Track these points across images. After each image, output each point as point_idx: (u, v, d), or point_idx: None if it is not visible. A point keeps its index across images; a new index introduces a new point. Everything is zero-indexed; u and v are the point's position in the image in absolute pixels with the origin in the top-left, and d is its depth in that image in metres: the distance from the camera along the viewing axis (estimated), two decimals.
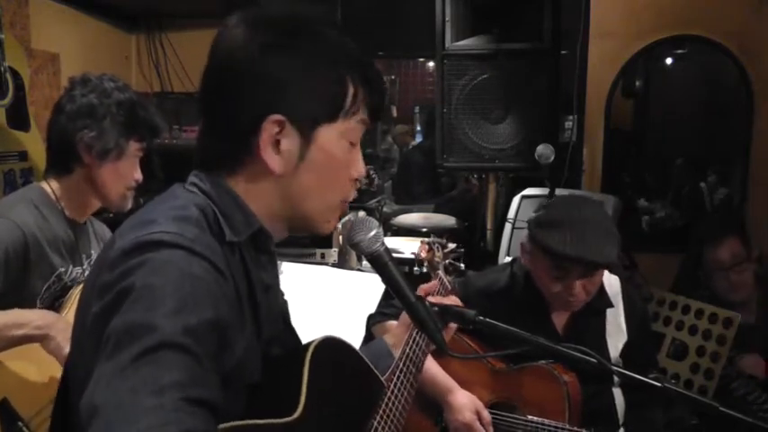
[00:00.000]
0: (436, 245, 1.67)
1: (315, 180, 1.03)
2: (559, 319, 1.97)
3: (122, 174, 1.85)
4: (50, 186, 1.85)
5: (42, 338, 1.65)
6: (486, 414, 1.82)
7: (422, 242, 1.69)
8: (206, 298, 0.86)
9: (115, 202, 1.89)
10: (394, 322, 1.91)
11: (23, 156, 2.78)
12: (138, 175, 1.89)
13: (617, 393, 1.98)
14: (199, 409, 0.77)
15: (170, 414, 0.74)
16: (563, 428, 1.80)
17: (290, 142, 1.00)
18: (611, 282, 2.01)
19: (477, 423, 1.80)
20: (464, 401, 1.82)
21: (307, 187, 1.03)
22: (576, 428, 1.79)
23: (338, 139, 1.03)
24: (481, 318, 1.27)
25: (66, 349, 1.59)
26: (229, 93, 1.00)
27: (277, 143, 0.99)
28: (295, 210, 1.05)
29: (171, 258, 0.87)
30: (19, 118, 2.77)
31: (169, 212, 0.95)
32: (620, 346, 1.99)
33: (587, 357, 1.18)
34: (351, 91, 1.02)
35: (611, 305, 1.97)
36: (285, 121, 0.98)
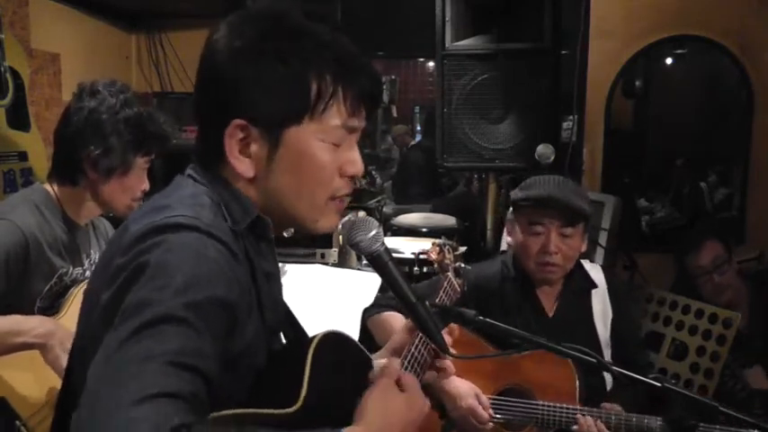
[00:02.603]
0: (447, 247, 1.67)
1: (290, 181, 1.02)
2: (548, 302, 2.05)
3: (128, 187, 1.84)
4: (53, 189, 1.85)
5: (41, 347, 1.65)
6: (484, 399, 1.86)
7: (433, 243, 1.69)
8: (218, 278, 0.87)
9: (120, 213, 1.89)
10: (390, 312, 1.94)
11: (23, 156, 2.78)
12: (146, 186, 1.88)
13: (607, 377, 2.01)
14: (186, 372, 0.77)
15: (152, 377, 0.75)
16: (574, 409, 1.84)
17: (257, 145, 1.00)
18: (591, 269, 2.11)
19: (479, 408, 1.84)
20: (463, 388, 1.85)
21: (282, 188, 1.02)
22: (585, 408, 1.83)
23: (313, 140, 1.01)
24: (481, 318, 1.27)
25: (64, 360, 1.59)
26: (203, 97, 1.03)
27: (247, 146, 1.00)
28: (277, 207, 1.04)
29: (187, 240, 0.88)
30: (19, 118, 2.77)
31: (183, 200, 0.96)
32: (609, 324, 2.05)
33: (588, 357, 1.18)
34: (314, 90, 0.99)
35: (594, 285, 2.06)
36: (248, 126, 0.99)
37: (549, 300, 2.05)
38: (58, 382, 1.66)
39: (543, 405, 1.86)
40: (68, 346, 1.58)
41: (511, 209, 2.08)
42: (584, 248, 2.03)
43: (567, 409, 1.84)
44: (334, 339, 1.06)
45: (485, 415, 1.84)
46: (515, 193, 2.02)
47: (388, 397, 1.03)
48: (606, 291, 2.07)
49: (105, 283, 0.90)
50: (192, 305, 0.81)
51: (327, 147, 1.02)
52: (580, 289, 2.06)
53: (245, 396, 0.97)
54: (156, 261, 0.84)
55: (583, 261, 2.10)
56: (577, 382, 1.87)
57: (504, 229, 3.11)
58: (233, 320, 0.89)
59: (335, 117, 1.01)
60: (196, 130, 1.08)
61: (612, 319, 2.04)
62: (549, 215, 1.93)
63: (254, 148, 1.00)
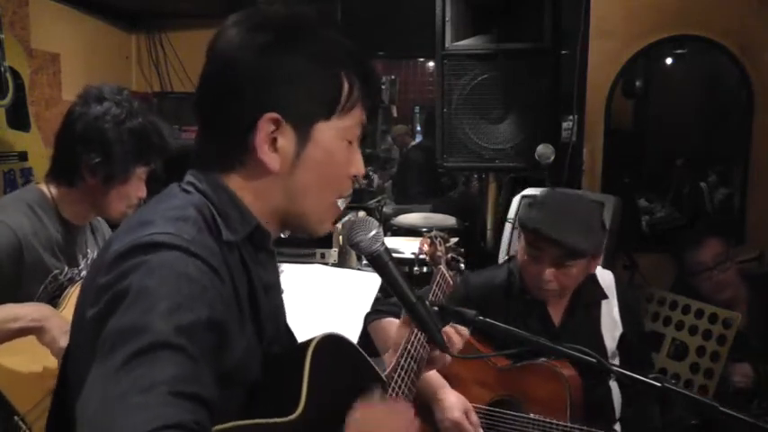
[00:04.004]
0: (438, 239, 1.66)
1: (313, 178, 1.03)
2: (555, 312, 2.01)
3: (125, 195, 1.83)
4: (49, 190, 1.84)
5: (38, 331, 1.64)
6: (474, 417, 1.80)
7: (424, 236, 1.68)
8: (201, 299, 0.86)
9: (114, 219, 1.88)
10: (390, 319, 1.93)
11: (23, 156, 2.78)
12: (142, 193, 1.87)
13: (614, 386, 2.00)
14: (186, 401, 0.76)
15: (155, 409, 0.74)
16: (564, 426, 1.81)
17: (286, 140, 1.00)
18: (603, 276, 2.06)
19: (466, 422, 1.77)
20: (453, 401, 1.80)
21: (305, 185, 1.03)
22: (575, 425, 1.80)
23: (336, 137, 1.03)
24: (481, 318, 1.27)
25: (61, 342, 1.59)
26: (226, 94, 1.01)
27: (274, 141, 1.00)
28: (293, 207, 1.04)
29: (167, 260, 0.87)
30: (19, 118, 2.77)
31: (167, 213, 0.95)
32: (616, 337, 2.02)
33: (588, 357, 1.17)
34: (346, 87, 1.02)
35: (605, 296, 2.02)
36: (281, 120, 0.99)
37: (556, 310, 2.01)
38: (54, 378, 1.66)
39: (530, 418, 1.83)
40: (65, 329, 1.59)
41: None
42: (594, 269, 1.96)
43: (556, 424, 1.80)
44: (331, 342, 1.06)
45: (470, 430, 1.77)
46: (523, 211, 1.97)
47: (369, 412, 1.03)
48: (616, 301, 2.03)
49: (91, 299, 0.89)
50: (181, 329, 0.80)
51: (345, 145, 1.04)
52: (590, 301, 2.01)
53: (241, 409, 0.96)
54: (137, 285, 0.83)
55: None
56: (569, 401, 1.83)
57: (504, 232, 3.13)
58: (221, 339, 0.88)
59: (357, 115, 1.04)
60: (198, 133, 1.06)
61: (622, 334, 2.01)
62: (543, 246, 1.85)
63: (282, 142, 1.00)
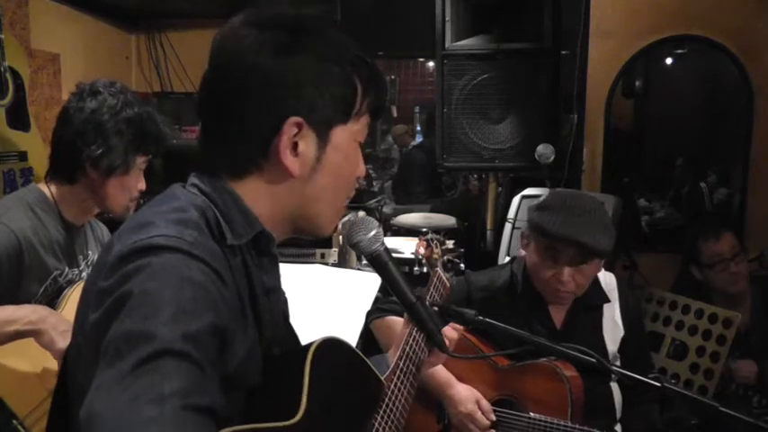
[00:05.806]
0: (434, 241, 1.67)
1: (330, 181, 1.03)
2: (557, 314, 2.01)
3: (127, 186, 1.84)
4: (49, 190, 1.84)
5: (35, 333, 1.64)
6: (485, 403, 1.84)
7: (420, 239, 1.69)
8: (205, 303, 0.85)
9: (118, 212, 1.88)
10: (394, 317, 1.93)
11: (23, 156, 2.78)
12: (142, 185, 1.87)
13: (614, 387, 2.01)
14: (200, 416, 0.75)
15: (171, 423, 0.72)
16: (564, 425, 1.81)
17: (306, 144, 0.99)
18: (606, 278, 2.06)
19: (479, 413, 1.82)
20: (465, 393, 1.84)
21: (322, 188, 1.03)
22: (576, 426, 1.81)
23: (350, 140, 1.04)
24: (480, 318, 1.27)
25: (59, 343, 1.59)
26: (244, 96, 0.98)
27: (294, 145, 0.99)
28: (306, 211, 1.04)
29: (169, 263, 0.85)
30: (19, 118, 2.77)
31: (168, 215, 0.93)
32: (618, 340, 2.02)
33: (588, 357, 1.18)
34: (360, 90, 1.02)
35: (607, 300, 2.02)
36: (303, 123, 0.98)
37: (558, 313, 2.01)
38: (54, 379, 1.65)
39: (531, 418, 1.84)
40: (62, 329, 1.59)
41: (527, 224, 1.98)
42: (599, 270, 1.96)
43: (557, 424, 1.81)
44: (330, 346, 1.05)
45: (484, 421, 1.82)
46: (534, 214, 1.92)
47: None
48: (618, 304, 2.03)
49: (93, 302, 0.88)
50: (187, 336, 0.79)
51: (357, 146, 1.06)
52: (592, 304, 2.01)
53: (242, 413, 0.95)
54: (140, 289, 0.82)
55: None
56: (570, 401, 1.83)
57: (504, 232, 3.13)
58: (224, 343, 0.87)
59: (366, 117, 1.05)
60: (204, 138, 1.04)
61: (624, 337, 2.01)
62: (561, 248, 1.84)
63: (302, 146, 0.99)
